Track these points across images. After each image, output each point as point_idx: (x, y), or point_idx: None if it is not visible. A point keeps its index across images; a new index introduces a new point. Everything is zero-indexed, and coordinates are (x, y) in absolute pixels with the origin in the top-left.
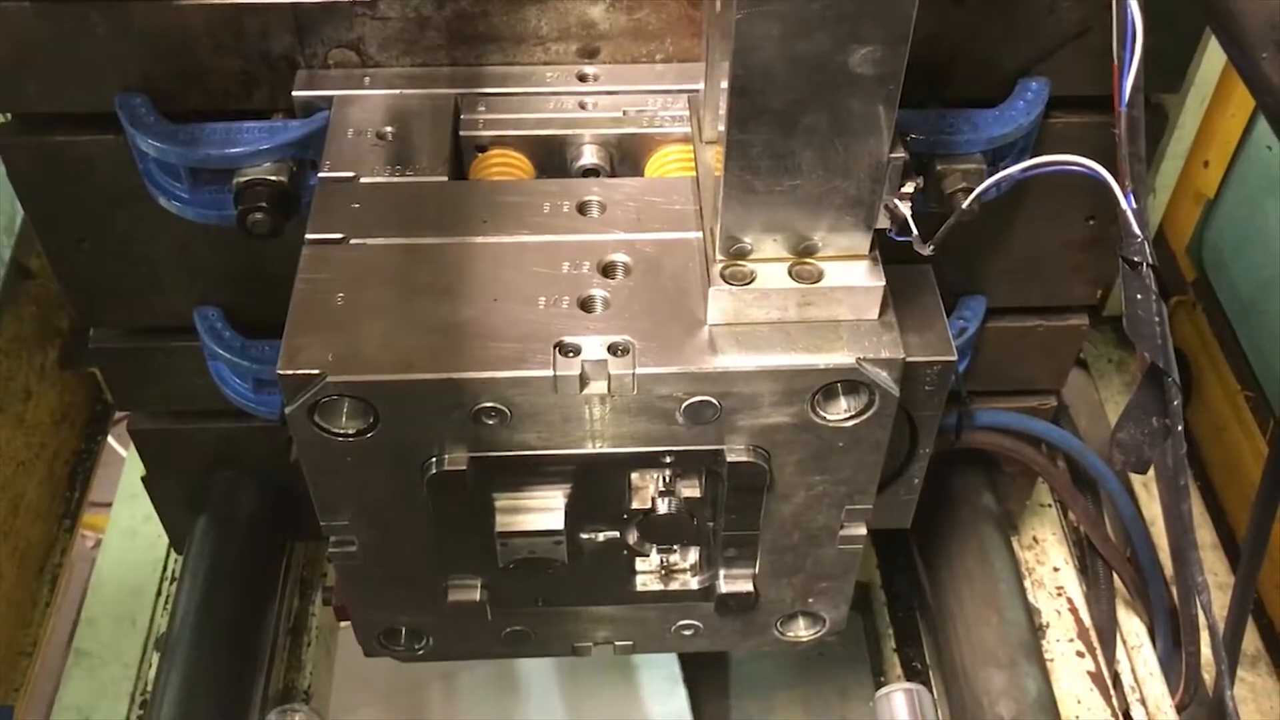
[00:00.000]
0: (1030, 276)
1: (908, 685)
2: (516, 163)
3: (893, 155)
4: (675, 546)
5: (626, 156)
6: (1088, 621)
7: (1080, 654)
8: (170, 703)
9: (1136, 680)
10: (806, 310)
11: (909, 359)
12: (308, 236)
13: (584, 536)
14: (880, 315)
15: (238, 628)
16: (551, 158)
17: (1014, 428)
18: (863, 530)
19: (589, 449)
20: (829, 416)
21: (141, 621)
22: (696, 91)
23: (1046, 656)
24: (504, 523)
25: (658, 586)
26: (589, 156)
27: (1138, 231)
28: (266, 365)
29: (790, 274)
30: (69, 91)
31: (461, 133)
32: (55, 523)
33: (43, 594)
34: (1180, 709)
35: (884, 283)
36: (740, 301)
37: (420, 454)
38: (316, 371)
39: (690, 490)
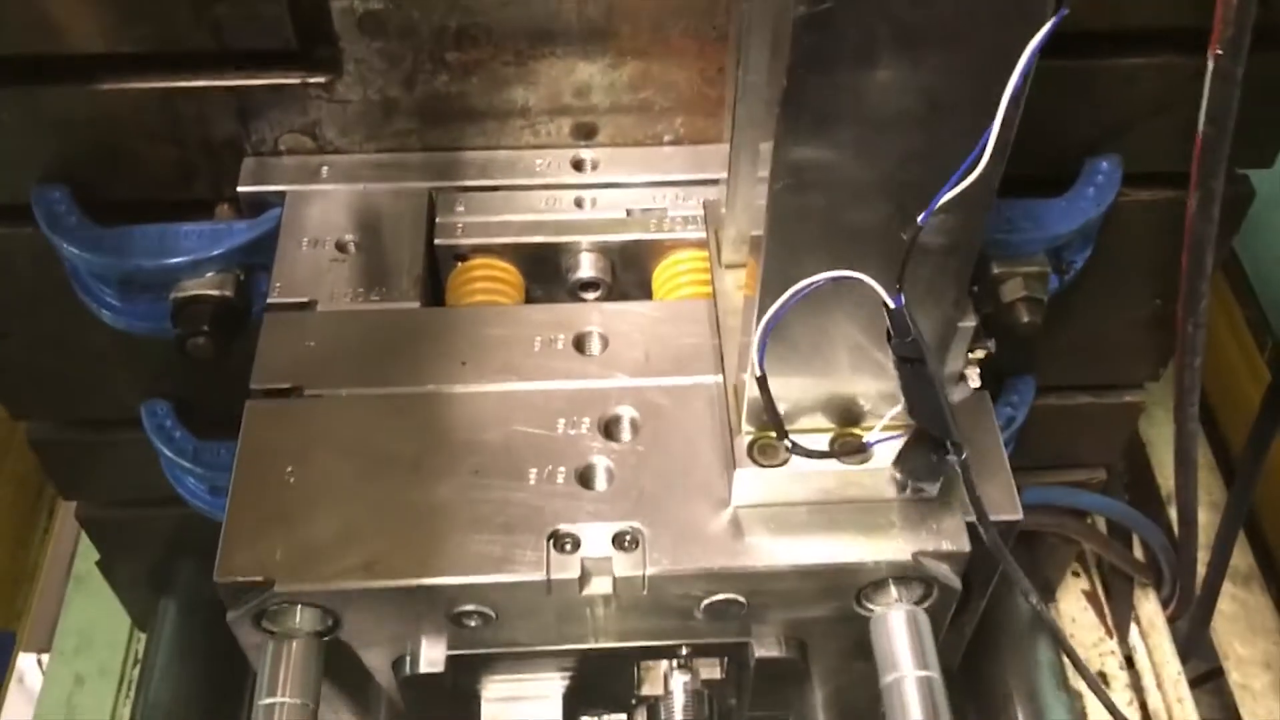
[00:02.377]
0: (1089, 357)
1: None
2: (502, 275)
3: (962, 324)
4: None
5: (631, 263)
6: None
7: (1075, 574)
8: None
9: (1134, 605)
10: (851, 489)
11: (968, 519)
12: (253, 386)
13: None
14: (941, 492)
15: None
16: (544, 267)
17: (1061, 504)
18: None
19: (590, 644)
20: (878, 610)
21: None
22: (713, 183)
23: None
24: (492, 714)
25: None
26: (587, 268)
27: (909, 329)
28: (222, 472)
29: (832, 448)
30: None
31: (437, 241)
32: None
33: (41, 519)
34: (1172, 621)
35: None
36: (772, 484)
37: (391, 651)
38: (260, 579)
39: (710, 672)
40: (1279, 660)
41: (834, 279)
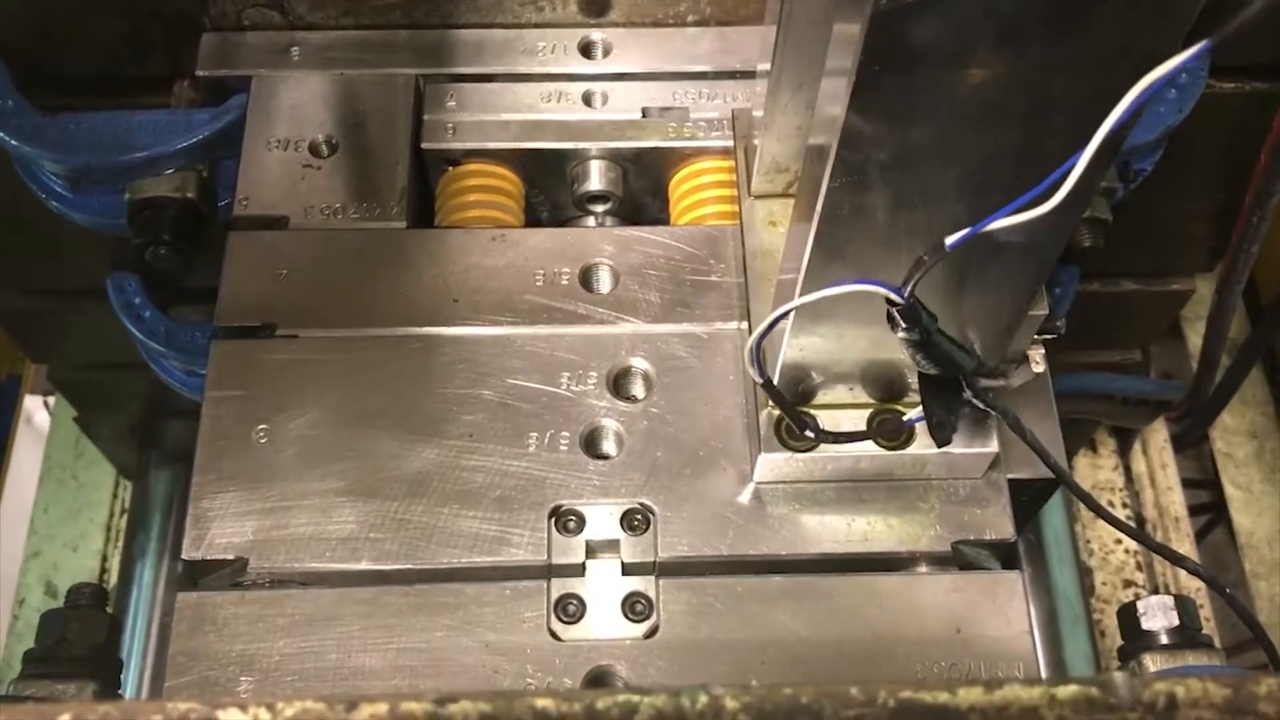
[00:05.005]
0: (1141, 248)
1: None
2: (499, 183)
3: (1033, 313)
4: None
5: (646, 171)
6: None
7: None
8: None
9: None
10: (887, 470)
11: (1011, 477)
12: (218, 323)
13: None
14: (986, 472)
15: None
16: (546, 173)
17: (1096, 391)
18: None
19: None
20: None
21: None
22: (745, 76)
23: None
24: None
25: None
26: (596, 180)
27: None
28: (198, 357)
29: (871, 427)
30: None
31: (425, 145)
32: None
33: None
34: (1172, 420)
35: (997, 449)
36: (801, 466)
37: None
38: (233, 558)
39: None
40: (1265, 430)
41: (843, 293)
